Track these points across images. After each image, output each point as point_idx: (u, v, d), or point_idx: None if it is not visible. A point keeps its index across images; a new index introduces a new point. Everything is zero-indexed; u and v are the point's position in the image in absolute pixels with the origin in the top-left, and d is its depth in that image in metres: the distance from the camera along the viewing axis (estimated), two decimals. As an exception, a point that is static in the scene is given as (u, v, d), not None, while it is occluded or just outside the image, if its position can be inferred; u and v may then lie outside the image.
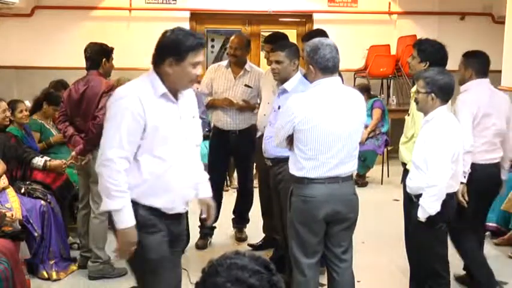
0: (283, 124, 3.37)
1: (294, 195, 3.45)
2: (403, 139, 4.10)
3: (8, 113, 4.87)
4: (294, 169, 3.41)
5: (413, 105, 3.90)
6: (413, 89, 3.95)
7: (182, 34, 2.79)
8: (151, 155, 2.83)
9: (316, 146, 3.30)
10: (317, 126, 3.28)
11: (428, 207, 3.44)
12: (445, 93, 3.49)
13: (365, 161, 7.67)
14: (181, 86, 2.90)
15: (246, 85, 5.20)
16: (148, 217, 2.87)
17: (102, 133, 2.86)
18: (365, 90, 7.68)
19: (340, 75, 3.52)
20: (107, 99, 4.33)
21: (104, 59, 4.53)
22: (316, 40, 3.41)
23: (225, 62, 5.38)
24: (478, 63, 4.20)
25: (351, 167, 3.43)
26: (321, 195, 3.34)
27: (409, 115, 4.07)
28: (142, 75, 2.92)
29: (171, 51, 2.77)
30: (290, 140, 3.42)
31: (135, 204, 2.83)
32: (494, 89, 4.36)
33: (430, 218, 3.48)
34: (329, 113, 3.31)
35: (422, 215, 3.49)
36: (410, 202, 3.67)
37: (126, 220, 2.80)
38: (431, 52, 3.96)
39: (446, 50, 4.03)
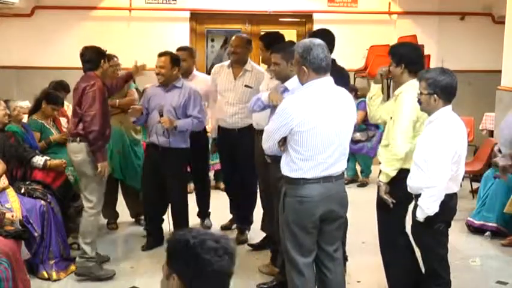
0: (278, 126, 3.32)
1: (289, 196, 3.42)
2: (383, 142, 3.99)
3: (8, 111, 4.86)
4: (288, 170, 3.39)
5: (393, 109, 3.84)
6: (397, 92, 3.89)
7: None
8: None
9: (314, 146, 3.29)
10: (315, 127, 3.27)
11: (427, 207, 3.44)
12: (448, 93, 3.46)
13: (360, 164, 7.66)
14: None
15: (246, 85, 5.19)
16: None
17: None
18: (352, 89, 7.65)
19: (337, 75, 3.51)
20: (87, 92, 4.34)
21: (102, 60, 4.56)
22: (307, 41, 3.40)
23: (227, 62, 5.41)
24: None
25: (343, 165, 3.46)
26: (317, 195, 3.35)
27: (391, 118, 3.87)
28: None
29: None
30: (283, 142, 3.39)
31: None
32: None
33: (428, 219, 3.48)
34: (325, 113, 3.30)
35: (420, 215, 3.49)
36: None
37: None
38: (403, 54, 3.87)
39: (420, 50, 3.97)
